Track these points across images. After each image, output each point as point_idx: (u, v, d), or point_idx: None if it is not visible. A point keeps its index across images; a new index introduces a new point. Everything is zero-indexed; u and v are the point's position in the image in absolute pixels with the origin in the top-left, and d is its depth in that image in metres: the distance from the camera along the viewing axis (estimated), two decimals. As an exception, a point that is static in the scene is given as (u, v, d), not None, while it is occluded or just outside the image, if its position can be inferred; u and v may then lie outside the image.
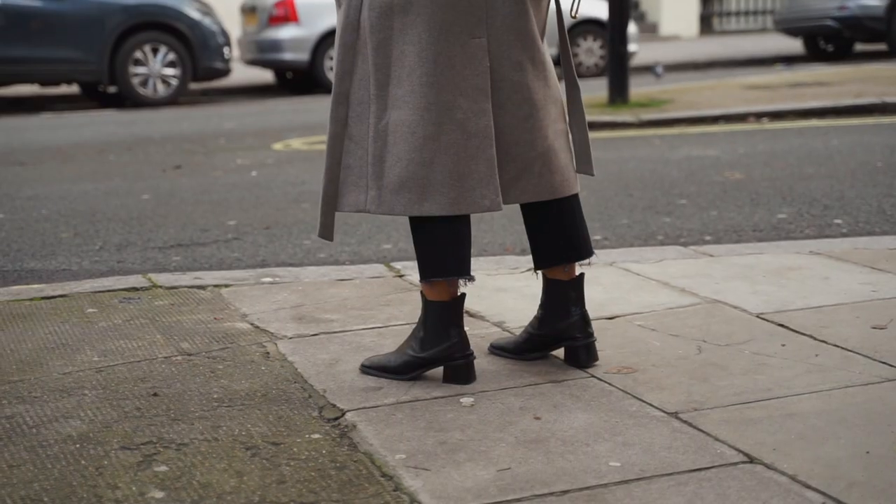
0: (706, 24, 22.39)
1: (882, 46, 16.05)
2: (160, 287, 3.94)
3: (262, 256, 4.85)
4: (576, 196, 2.94)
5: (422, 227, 2.80)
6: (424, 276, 2.83)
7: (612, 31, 9.28)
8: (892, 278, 3.68)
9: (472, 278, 2.84)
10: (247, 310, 3.63)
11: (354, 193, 2.77)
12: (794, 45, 17.25)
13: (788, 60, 16.29)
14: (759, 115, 8.74)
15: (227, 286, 3.94)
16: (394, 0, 2.67)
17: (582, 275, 2.98)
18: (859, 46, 16.88)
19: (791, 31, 16.62)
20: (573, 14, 2.86)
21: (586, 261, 2.97)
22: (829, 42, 16.58)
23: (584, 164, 2.95)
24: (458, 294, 2.85)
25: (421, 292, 2.89)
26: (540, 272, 3.01)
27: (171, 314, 3.59)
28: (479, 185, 2.74)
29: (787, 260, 4.01)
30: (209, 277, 4.06)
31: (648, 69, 14.80)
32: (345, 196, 2.79)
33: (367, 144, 2.74)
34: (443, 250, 2.80)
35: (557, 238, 2.93)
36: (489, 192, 2.75)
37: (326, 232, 2.88)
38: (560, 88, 2.90)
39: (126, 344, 3.26)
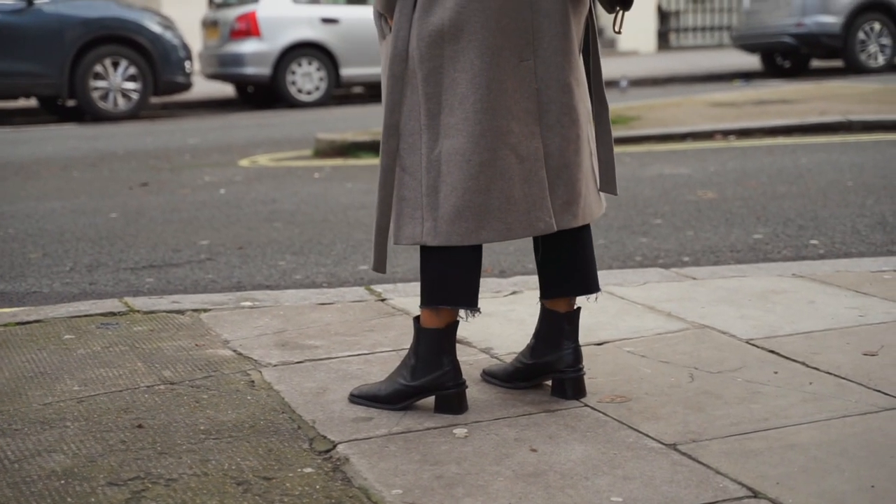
0: (664, 40, 22.53)
1: (838, 63, 16.21)
2: (138, 312, 3.86)
3: (237, 278, 4.78)
4: (589, 226, 2.91)
5: (435, 254, 2.75)
6: (431, 302, 2.77)
7: (578, 48, 9.28)
8: (878, 302, 3.68)
9: (478, 310, 2.81)
10: (228, 336, 3.56)
11: (410, 226, 2.72)
12: (752, 61, 17.38)
13: (747, 76, 16.41)
14: (726, 133, 8.77)
15: (206, 311, 3.87)
16: (444, 28, 2.64)
17: (579, 308, 2.94)
18: (816, 63, 17.04)
19: (749, 48, 16.75)
20: (617, 29, 2.81)
21: (593, 295, 2.94)
22: (786, 58, 16.73)
23: (608, 183, 2.91)
24: (454, 321, 2.81)
25: (415, 318, 2.84)
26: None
27: (150, 340, 3.51)
28: (533, 207, 2.73)
29: (770, 283, 3.99)
30: (187, 301, 3.99)
31: (610, 84, 14.86)
32: (402, 228, 2.74)
33: (421, 175, 2.70)
34: (455, 278, 2.76)
35: (570, 269, 2.90)
36: (543, 214, 2.75)
37: (380, 266, 2.83)
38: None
39: (106, 372, 3.19)
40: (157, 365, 3.25)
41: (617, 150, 8.30)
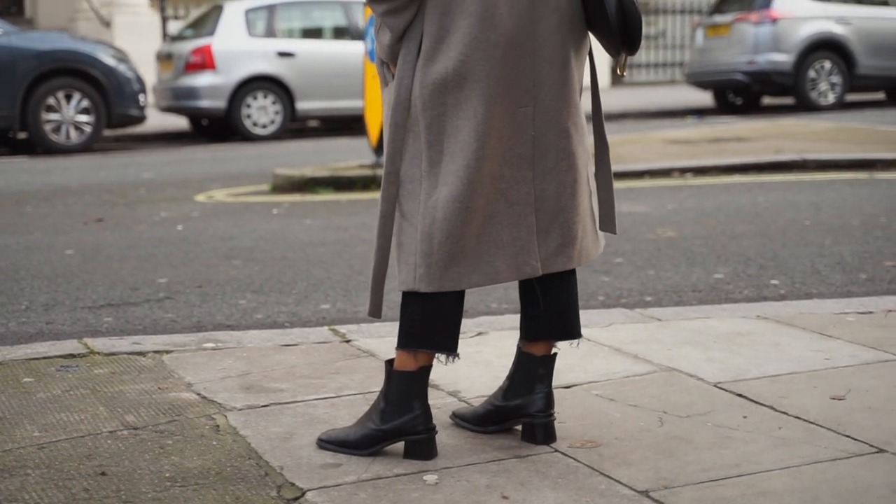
0: (615, 75, 22.74)
1: (789, 100, 16.41)
2: (98, 353, 3.80)
3: (197, 317, 4.72)
4: (575, 271, 2.91)
5: (419, 296, 2.74)
6: (410, 345, 2.76)
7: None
8: (843, 345, 3.70)
9: (457, 355, 2.80)
10: (191, 378, 3.51)
11: (405, 271, 2.73)
12: (704, 98, 17.56)
13: (699, 113, 16.57)
14: (683, 171, 8.83)
15: (168, 352, 3.81)
16: (448, 76, 2.64)
17: (555, 354, 2.94)
18: (767, 100, 17.25)
19: (701, 84, 16.92)
20: (620, 72, 2.81)
21: (575, 341, 2.93)
22: (738, 95, 16.90)
23: (608, 223, 2.91)
24: (427, 365, 2.79)
25: (387, 361, 2.82)
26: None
27: (112, 383, 3.46)
28: (521, 251, 2.75)
29: (735, 325, 4.00)
30: (148, 343, 3.94)
31: None
32: (399, 274, 2.75)
33: (417, 222, 2.69)
34: (436, 322, 2.76)
35: (556, 314, 2.89)
36: (530, 258, 2.76)
37: (376, 310, 2.82)
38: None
39: (68, 417, 3.13)
40: (119, 409, 3.20)
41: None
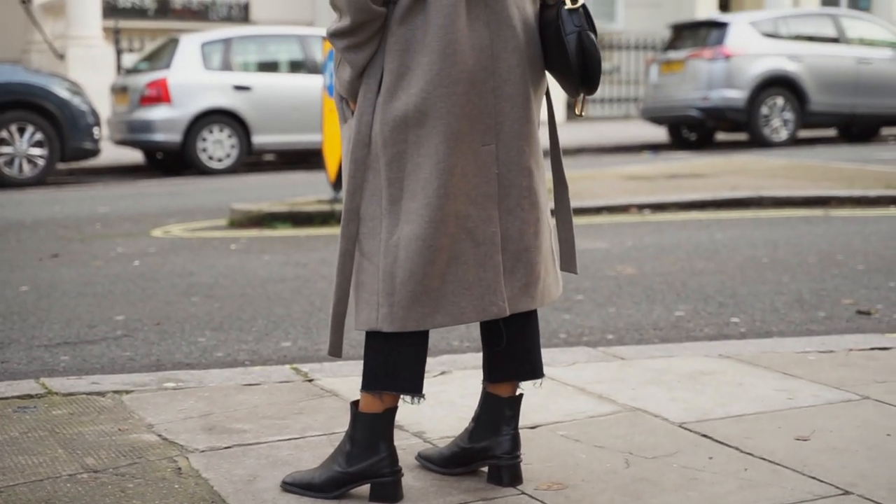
0: (572, 111, 22.86)
1: (742, 136, 16.58)
2: (56, 394, 3.74)
3: (156, 356, 4.67)
4: (536, 311, 2.90)
5: (383, 337, 2.71)
6: (374, 387, 2.74)
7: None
8: (806, 385, 3.71)
9: (423, 396, 2.78)
10: (152, 419, 3.46)
11: (367, 311, 2.70)
12: (659, 133, 17.70)
13: (654, 148, 16.69)
14: (641, 207, 8.86)
15: (128, 392, 3.76)
16: (409, 113, 2.62)
17: (521, 395, 2.92)
18: (721, 136, 17.41)
19: (656, 120, 17.07)
20: (579, 112, 2.81)
21: (538, 381, 2.92)
22: (692, 131, 17.06)
23: (568, 262, 2.92)
24: (393, 406, 2.77)
25: (352, 403, 2.80)
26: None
27: (71, 425, 3.40)
28: (486, 291, 2.73)
29: (698, 364, 4.01)
30: (107, 382, 3.88)
31: None
32: (359, 314, 2.72)
33: (379, 260, 2.67)
34: (401, 363, 2.74)
35: (518, 354, 2.88)
36: (497, 299, 2.74)
37: (336, 350, 2.79)
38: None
39: (26, 460, 3.07)
40: (78, 451, 3.14)
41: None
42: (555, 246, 2.89)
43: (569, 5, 2.70)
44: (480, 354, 4.19)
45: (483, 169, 2.69)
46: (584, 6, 2.72)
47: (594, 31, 2.72)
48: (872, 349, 4.17)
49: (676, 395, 3.62)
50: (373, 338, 2.73)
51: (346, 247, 2.72)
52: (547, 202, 2.82)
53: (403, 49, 2.62)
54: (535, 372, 2.91)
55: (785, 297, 5.54)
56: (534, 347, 2.91)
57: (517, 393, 2.92)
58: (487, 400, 2.92)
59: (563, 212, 2.89)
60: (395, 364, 2.72)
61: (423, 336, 2.75)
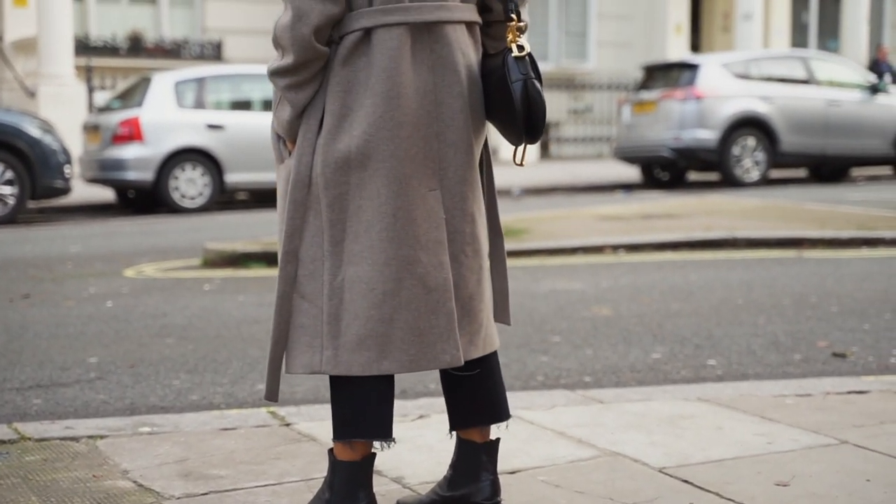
0: (544, 150, 22.93)
1: (714, 176, 16.68)
2: (29, 439, 3.69)
3: (130, 399, 4.62)
4: (496, 352, 2.88)
5: (345, 385, 2.69)
6: (343, 436, 2.71)
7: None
8: (784, 429, 3.70)
9: (393, 440, 2.74)
10: (127, 465, 3.42)
11: (308, 354, 2.65)
12: (632, 173, 17.78)
13: (627, 187, 16.76)
14: (615, 247, 8.88)
15: (102, 437, 3.71)
16: (351, 155, 2.60)
17: (498, 440, 2.90)
18: (693, 175, 17.51)
19: (629, 160, 17.16)
20: (519, 161, 2.78)
21: (504, 423, 2.89)
22: (664, 170, 17.15)
23: (502, 313, 2.90)
24: (370, 453, 2.74)
25: (329, 450, 2.77)
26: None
27: (45, 471, 3.35)
28: (439, 339, 2.68)
29: (676, 407, 4.00)
30: (81, 427, 3.83)
31: (503, 192, 15.24)
32: (297, 357, 2.67)
33: (322, 303, 2.63)
34: (366, 409, 2.70)
35: (479, 397, 2.85)
36: (450, 347, 2.69)
37: (272, 395, 2.75)
38: None
39: (-1, 508, 3.02)
40: (53, 499, 3.09)
41: (509, 263, 8.37)
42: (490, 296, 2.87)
43: (515, 53, 2.68)
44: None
45: (431, 214, 2.66)
46: (529, 54, 2.70)
47: (540, 79, 2.71)
48: (849, 392, 4.17)
49: (656, 440, 3.61)
50: (336, 385, 2.70)
51: (284, 289, 2.67)
52: (486, 249, 2.80)
53: (345, 90, 2.60)
54: (498, 415, 2.87)
55: (761, 340, 5.55)
56: (494, 391, 2.87)
57: (492, 438, 2.89)
58: (462, 447, 2.90)
59: (498, 262, 2.86)
60: (362, 410, 2.68)
61: (388, 380, 2.71)
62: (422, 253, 2.65)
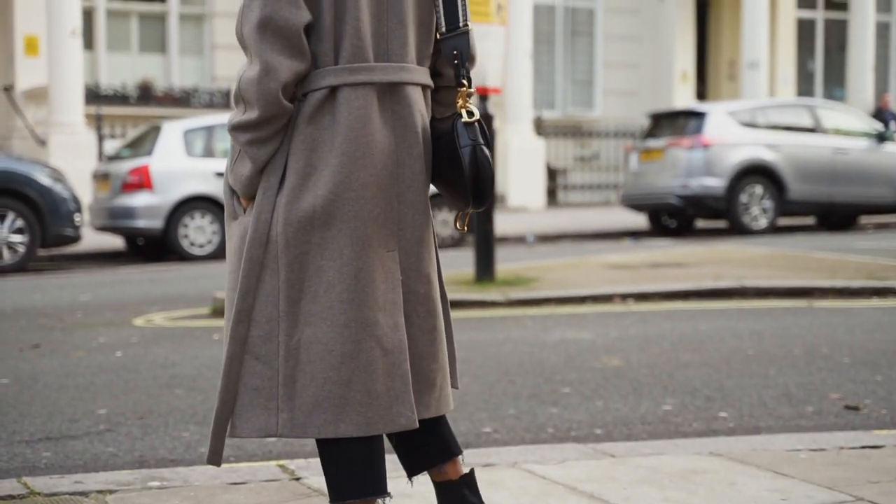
0: (552, 197, 22.98)
1: (722, 224, 16.68)
2: (39, 494, 3.67)
3: (139, 451, 4.60)
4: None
5: (332, 446, 2.67)
6: (339, 497, 2.69)
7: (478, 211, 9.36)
8: (798, 485, 3.68)
9: (389, 495, 2.72)
10: (137, 521, 3.40)
11: (263, 417, 2.60)
12: (639, 220, 17.79)
13: (635, 235, 16.77)
14: (624, 296, 8.86)
15: (111, 492, 3.70)
16: (315, 214, 2.57)
17: (472, 470, 2.87)
18: (701, 223, 17.52)
19: (636, 207, 17.18)
20: (460, 226, 2.78)
21: (459, 456, 2.86)
22: (672, 218, 17.17)
23: (452, 375, 2.88)
24: (372, 508, 2.72)
25: (332, 510, 2.74)
26: (421, 478, 2.88)
27: (54, 527, 3.33)
28: (395, 402, 2.65)
29: (689, 462, 3.97)
30: (91, 482, 3.81)
31: (518, 239, 15.61)
32: (250, 420, 2.61)
33: (278, 364, 2.60)
34: (357, 470, 2.68)
35: (429, 440, 2.82)
36: (405, 409, 2.67)
37: (215, 458, 2.70)
38: None
39: (9, 565, 3.00)
40: (63, 556, 3.08)
41: (518, 312, 8.39)
42: None
43: (465, 118, 2.69)
44: (468, 450, 4.16)
45: (389, 275, 2.65)
46: (479, 120, 2.71)
47: (489, 145, 2.71)
48: (863, 447, 4.14)
49: (669, 496, 3.58)
50: (324, 448, 2.68)
51: (234, 350, 2.62)
52: (441, 311, 2.78)
53: (310, 148, 2.58)
54: (452, 451, 2.84)
55: (772, 391, 5.52)
56: (446, 432, 2.84)
57: (466, 471, 2.85)
58: (443, 489, 2.85)
59: (445, 325, 2.83)
60: (353, 471, 2.66)
61: (375, 436, 2.68)
62: (380, 314, 2.63)
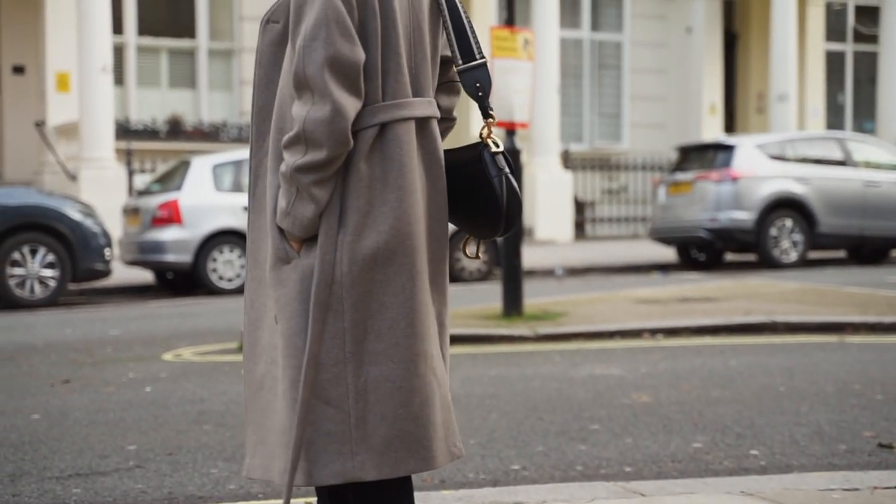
0: (580, 230, 22.95)
1: (751, 257, 16.60)
2: (69, 532, 3.67)
3: (168, 487, 4.60)
4: None
5: (371, 488, 2.65)
6: None
7: (506, 246, 9.38)
8: (832, 524, 3.64)
9: None
10: (167, 560, 3.39)
11: (339, 461, 2.57)
12: (668, 253, 17.73)
13: (664, 268, 16.71)
14: (654, 332, 8.83)
15: (141, 530, 3.69)
16: (378, 251, 2.58)
17: None
18: (730, 256, 17.44)
19: (665, 240, 17.11)
20: (475, 254, 2.84)
21: None
22: (701, 251, 17.10)
23: None
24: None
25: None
26: None
27: (84, 566, 3.33)
28: (448, 433, 2.69)
29: (720, 502, 3.94)
30: (121, 520, 3.81)
31: (547, 272, 15.65)
32: (327, 466, 2.58)
33: (349, 407, 2.58)
34: None
35: None
36: (456, 440, 2.71)
37: None
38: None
39: None
40: None
41: (546, 347, 8.36)
42: None
43: (493, 149, 2.71)
44: (497, 488, 4.15)
45: (429, 307, 2.68)
46: (503, 151, 2.74)
47: (515, 174, 2.74)
48: (897, 486, 4.10)
49: (700, 536, 3.55)
50: (361, 494, 2.65)
51: (306, 395, 2.56)
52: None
53: (367, 186, 2.59)
54: None
55: (804, 429, 5.47)
56: None
57: None
58: None
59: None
60: None
61: (408, 481, 2.69)
62: (432, 346, 2.66)
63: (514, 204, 2.69)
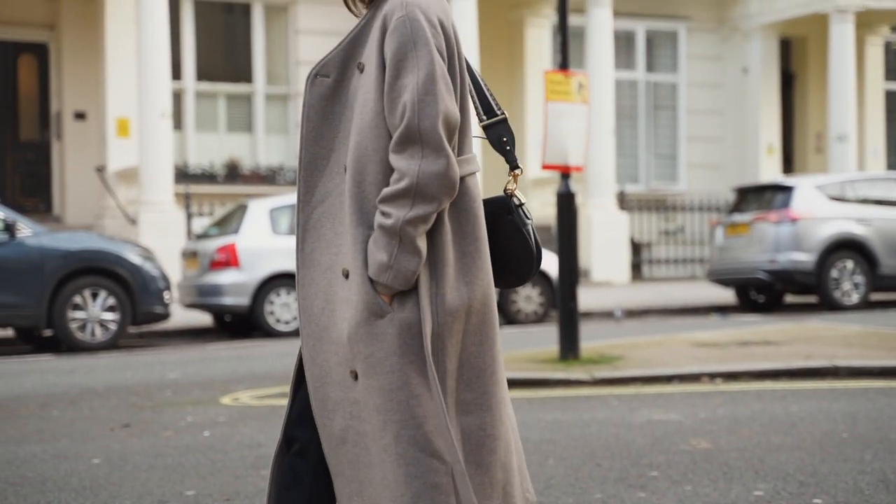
0: (636, 271, 22.83)
1: (812, 299, 16.41)
2: (128, 580, 3.69)
3: (226, 535, 4.61)
4: None
5: None
6: None
7: (562, 288, 9.35)
8: (899, 577, 3.56)
9: None
10: None
11: None
12: (726, 295, 17.58)
13: (722, 310, 16.57)
14: (712, 376, 8.73)
15: (199, 578, 3.70)
16: (473, 303, 2.64)
17: None
18: (790, 298, 17.26)
19: (723, 282, 16.98)
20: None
21: None
22: (760, 293, 16.94)
23: None
24: None
25: None
26: None
27: None
28: (523, 479, 2.74)
29: (784, 552, 3.87)
30: (179, 567, 3.82)
31: (606, 314, 15.69)
32: None
33: (455, 458, 2.58)
34: None
35: None
36: (529, 485, 2.77)
37: None
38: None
39: None
40: None
41: (603, 391, 8.31)
42: None
43: (518, 201, 2.80)
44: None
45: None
46: (523, 205, 2.82)
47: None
48: (966, 537, 4.01)
49: (764, 588, 3.49)
50: None
51: (415, 455, 2.58)
52: None
53: (461, 237, 2.65)
54: None
55: (869, 477, 5.37)
56: None
57: None
58: None
59: None
60: None
61: None
62: (507, 393, 2.74)
63: (540, 254, 2.79)
